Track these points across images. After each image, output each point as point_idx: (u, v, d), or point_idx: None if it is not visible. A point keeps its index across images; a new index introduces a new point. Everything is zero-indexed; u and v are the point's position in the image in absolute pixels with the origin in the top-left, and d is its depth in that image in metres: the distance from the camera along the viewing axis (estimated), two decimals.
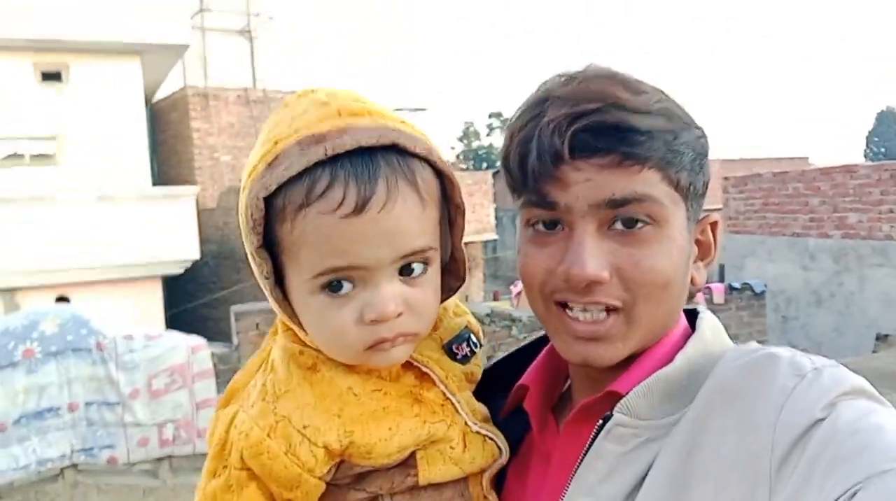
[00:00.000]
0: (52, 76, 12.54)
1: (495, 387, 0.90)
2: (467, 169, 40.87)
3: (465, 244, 0.82)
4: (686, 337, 0.77)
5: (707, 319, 0.81)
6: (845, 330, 10.42)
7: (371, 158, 0.69)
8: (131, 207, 11.77)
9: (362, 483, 0.78)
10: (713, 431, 0.65)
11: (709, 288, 9.34)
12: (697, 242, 0.80)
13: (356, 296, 0.72)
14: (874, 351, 8.93)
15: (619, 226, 0.72)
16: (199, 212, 13.10)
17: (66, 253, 10.95)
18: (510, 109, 0.79)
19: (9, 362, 5.66)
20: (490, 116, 57.89)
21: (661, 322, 0.76)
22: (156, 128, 16.25)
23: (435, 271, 0.77)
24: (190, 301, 14.25)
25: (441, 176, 0.76)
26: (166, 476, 6.17)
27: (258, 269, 0.74)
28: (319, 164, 0.68)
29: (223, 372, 6.33)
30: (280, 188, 0.69)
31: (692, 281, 0.80)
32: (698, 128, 0.76)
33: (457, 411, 0.81)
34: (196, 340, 6.38)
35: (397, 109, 0.81)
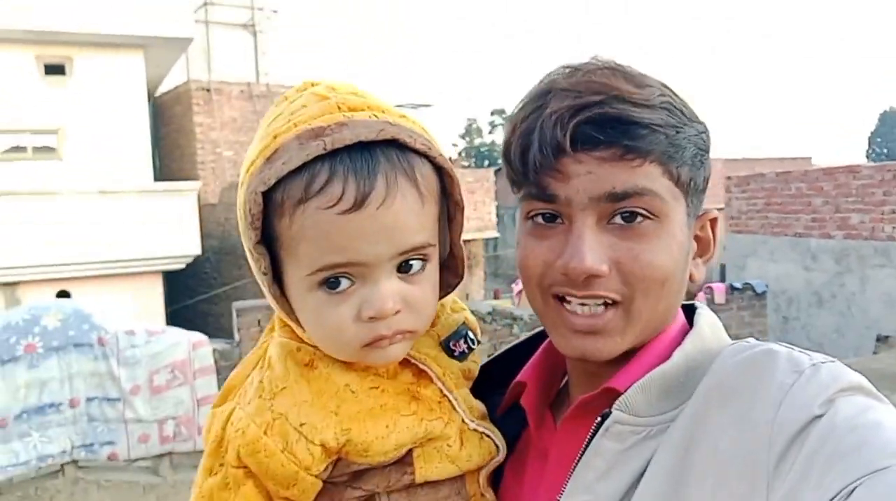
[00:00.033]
0: (55, 69, 12.54)
1: (492, 384, 0.90)
2: (469, 166, 40.74)
3: (466, 242, 0.81)
4: (684, 333, 0.77)
5: (705, 315, 0.80)
6: (846, 331, 10.40)
7: (370, 153, 0.69)
8: (133, 202, 11.78)
9: (359, 481, 0.78)
10: (711, 428, 0.65)
11: (710, 287, 9.33)
12: (697, 238, 0.80)
13: (354, 293, 0.72)
14: (875, 353, 8.90)
15: (618, 220, 0.71)
16: (201, 208, 13.12)
17: (68, 248, 10.97)
18: (513, 106, 0.78)
19: (10, 357, 5.66)
20: (493, 113, 57.97)
21: (660, 317, 0.76)
22: (158, 122, 16.26)
23: (433, 268, 0.77)
24: (191, 296, 14.26)
25: (441, 171, 0.75)
26: (167, 473, 6.18)
27: (256, 265, 0.73)
28: (318, 159, 0.67)
29: (224, 369, 6.32)
30: (279, 183, 0.68)
31: (691, 278, 0.79)
32: (700, 123, 0.76)
33: (454, 408, 0.80)
34: (197, 336, 6.39)
35: (402, 105, 0.81)
